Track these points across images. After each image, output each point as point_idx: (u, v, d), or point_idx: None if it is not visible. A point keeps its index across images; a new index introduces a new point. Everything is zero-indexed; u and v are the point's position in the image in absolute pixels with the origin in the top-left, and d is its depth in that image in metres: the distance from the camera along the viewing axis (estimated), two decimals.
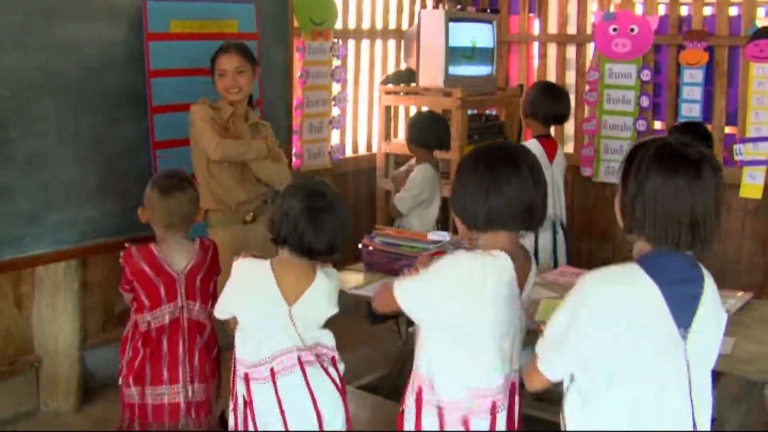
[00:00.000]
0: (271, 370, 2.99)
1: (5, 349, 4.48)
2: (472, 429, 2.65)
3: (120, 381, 3.52)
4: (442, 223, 5.26)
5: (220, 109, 4.27)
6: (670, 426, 2.30)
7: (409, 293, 2.71)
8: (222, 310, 3.14)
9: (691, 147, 2.26)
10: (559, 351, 2.33)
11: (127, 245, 3.54)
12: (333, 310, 3.09)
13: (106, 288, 4.78)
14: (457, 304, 2.61)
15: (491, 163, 2.63)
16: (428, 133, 5.12)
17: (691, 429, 2.30)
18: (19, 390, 4.53)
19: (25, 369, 4.54)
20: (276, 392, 2.99)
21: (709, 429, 2.39)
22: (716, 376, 3.28)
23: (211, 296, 3.55)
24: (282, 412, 3.00)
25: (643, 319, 2.25)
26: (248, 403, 3.02)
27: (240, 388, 3.05)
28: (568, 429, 2.42)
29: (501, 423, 2.69)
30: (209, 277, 3.55)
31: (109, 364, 4.64)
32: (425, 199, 5.01)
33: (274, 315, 3.00)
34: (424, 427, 2.70)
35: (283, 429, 3.00)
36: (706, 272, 2.36)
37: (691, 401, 2.30)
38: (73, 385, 4.61)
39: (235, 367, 3.09)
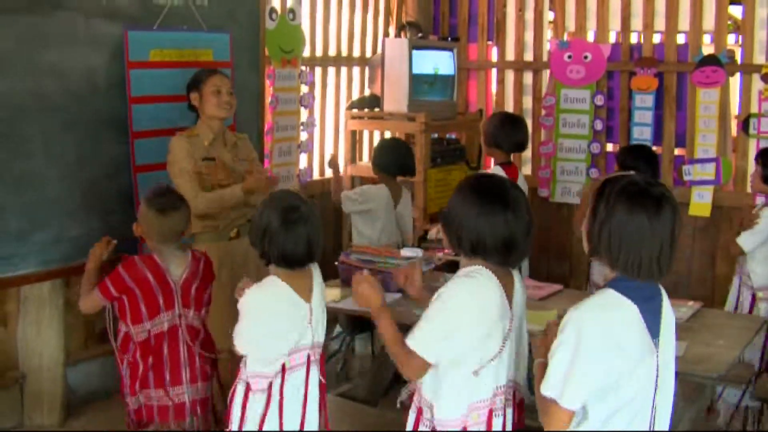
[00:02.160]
0: (308, 356, 3.22)
1: None
2: None
3: (125, 393, 3.64)
4: (416, 241, 5.48)
5: (199, 135, 4.41)
6: (638, 427, 2.52)
7: (431, 342, 2.80)
8: (247, 345, 3.18)
9: (655, 186, 2.51)
10: (572, 384, 2.46)
11: (125, 256, 3.69)
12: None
13: None
14: (470, 333, 2.79)
15: (484, 198, 2.83)
16: (390, 159, 5.35)
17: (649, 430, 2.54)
18: (4, 405, 4.61)
19: (10, 385, 4.62)
20: (306, 380, 3.23)
21: (667, 427, 2.62)
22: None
23: (205, 304, 3.71)
24: (305, 402, 3.23)
25: (631, 337, 2.48)
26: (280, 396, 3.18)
27: (274, 388, 3.17)
28: None
29: (498, 426, 2.88)
30: (204, 287, 3.71)
31: (91, 380, 4.82)
32: (370, 210, 5.22)
33: (299, 319, 3.19)
34: None
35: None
36: (659, 285, 2.62)
37: (653, 403, 2.53)
38: (56, 400, 4.71)
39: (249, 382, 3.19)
